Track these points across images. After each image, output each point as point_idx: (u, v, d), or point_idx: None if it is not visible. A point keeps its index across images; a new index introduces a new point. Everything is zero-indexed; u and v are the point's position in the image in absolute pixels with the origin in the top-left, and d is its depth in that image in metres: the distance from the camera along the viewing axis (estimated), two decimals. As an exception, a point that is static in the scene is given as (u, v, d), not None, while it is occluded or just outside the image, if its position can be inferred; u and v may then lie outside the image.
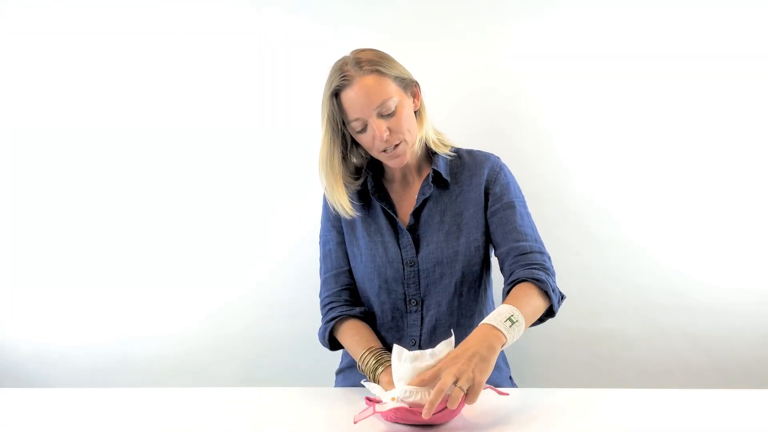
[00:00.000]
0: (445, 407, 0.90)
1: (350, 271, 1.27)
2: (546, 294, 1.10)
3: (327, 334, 1.21)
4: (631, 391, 1.10)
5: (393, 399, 0.94)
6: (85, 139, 1.67)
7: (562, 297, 1.16)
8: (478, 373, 0.90)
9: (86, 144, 1.67)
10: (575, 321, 1.60)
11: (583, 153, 1.58)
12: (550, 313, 1.13)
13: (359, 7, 1.59)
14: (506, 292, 1.13)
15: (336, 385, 1.32)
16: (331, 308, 1.24)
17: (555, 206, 1.59)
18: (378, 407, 0.94)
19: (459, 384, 0.88)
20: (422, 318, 1.21)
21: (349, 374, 1.28)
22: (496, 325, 0.98)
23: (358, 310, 1.23)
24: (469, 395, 0.89)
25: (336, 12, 1.60)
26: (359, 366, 1.14)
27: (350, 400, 1.09)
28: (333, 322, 1.21)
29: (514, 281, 1.12)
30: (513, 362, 1.55)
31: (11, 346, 1.72)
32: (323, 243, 1.30)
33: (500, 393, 0.99)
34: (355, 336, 1.18)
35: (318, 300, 1.30)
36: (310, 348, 1.63)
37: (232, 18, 1.62)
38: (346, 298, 1.25)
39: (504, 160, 1.32)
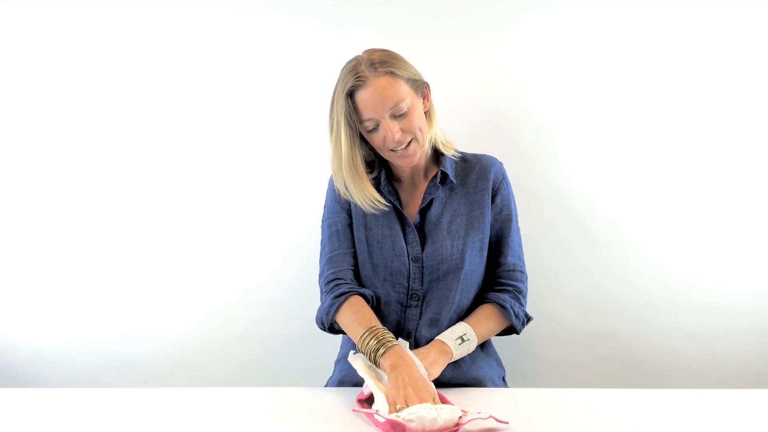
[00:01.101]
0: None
1: (354, 253, 1.27)
2: (507, 318, 1.24)
3: (334, 309, 1.19)
4: (631, 391, 1.10)
5: (398, 416, 0.94)
6: (86, 138, 1.67)
7: (529, 319, 1.28)
8: (428, 366, 1.10)
9: (86, 143, 1.67)
10: (575, 321, 1.60)
11: (584, 153, 1.58)
12: (513, 331, 1.27)
13: (359, 7, 1.59)
14: (474, 304, 1.27)
15: (333, 375, 1.32)
16: (338, 285, 1.22)
17: (555, 206, 1.59)
18: (377, 417, 0.95)
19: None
20: (421, 313, 1.23)
21: (347, 364, 1.28)
22: (447, 343, 1.16)
23: (368, 291, 1.23)
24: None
25: (335, 11, 1.60)
26: (358, 345, 1.13)
27: (349, 400, 1.09)
28: (343, 297, 1.19)
29: (484, 300, 1.26)
30: (513, 362, 1.55)
31: (11, 346, 1.72)
32: (330, 224, 1.29)
33: (499, 421, 0.96)
34: (357, 314, 1.16)
35: (317, 284, 1.28)
36: (310, 348, 1.63)
37: (233, 18, 1.62)
38: (352, 278, 1.25)
39: (504, 160, 1.34)
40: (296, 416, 1.03)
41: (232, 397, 1.13)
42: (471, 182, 1.27)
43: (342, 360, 1.31)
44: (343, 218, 1.28)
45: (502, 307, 1.22)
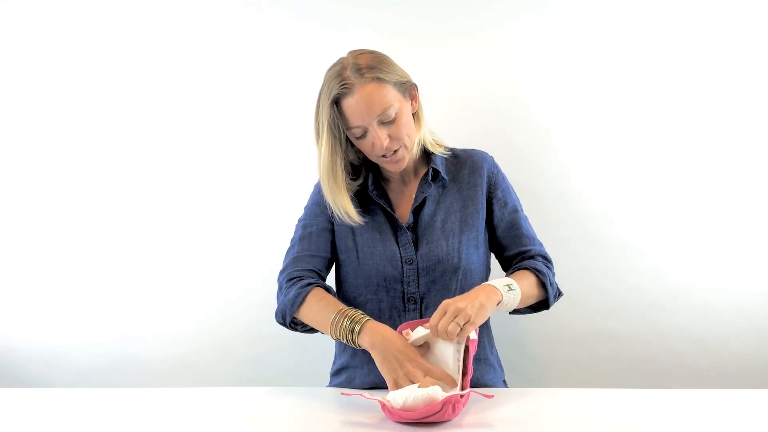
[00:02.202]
0: (441, 408, 0.92)
1: (329, 261, 1.24)
2: (543, 286, 1.18)
3: (300, 300, 1.13)
4: (631, 391, 1.10)
5: (384, 398, 0.96)
6: (86, 139, 1.67)
7: (560, 294, 1.24)
8: (474, 314, 1.02)
9: (87, 144, 1.67)
10: (575, 321, 1.60)
11: (584, 153, 1.58)
12: (545, 304, 1.21)
13: (358, 7, 1.59)
14: (507, 275, 1.22)
15: (330, 386, 1.30)
16: (300, 278, 1.18)
17: (555, 207, 1.59)
18: (364, 396, 0.98)
19: (457, 320, 1.00)
20: (421, 316, 1.20)
21: (343, 374, 1.27)
22: (496, 286, 1.09)
23: (332, 289, 1.18)
24: (463, 330, 1.00)
25: (334, 12, 1.60)
26: (330, 331, 1.08)
27: (348, 400, 1.09)
28: (310, 287, 1.14)
29: (517, 267, 1.21)
30: (513, 362, 1.55)
31: (11, 346, 1.72)
32: (305, 226, 1.26)
33: (486, 396, 0.98)
34: (321, 301, 1.12)
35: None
36: (309, 348, 1.63)
37: (232, 18, 1.62)
38: (315, 279, 1.20)
39: (504, 160, 1.33)
40: (296, 416, 1.03)
41: (232, 397, 1.13)
42: (463, 178, 1.25)
43: (336, 374, 1.29)
44: (320, 222, 1.24)
45: (539, 272, 1.17)
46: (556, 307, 1.59)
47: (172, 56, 1.64)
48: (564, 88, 1.57)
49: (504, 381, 1.32)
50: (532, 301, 1.18)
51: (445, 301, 1.04)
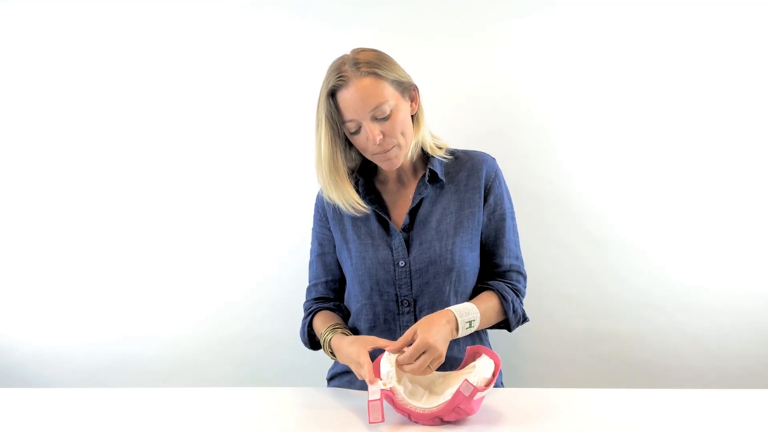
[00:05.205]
0: (454, 408, 0.94)
1: (326, 282, 1.31)
2: (505, 312, 1.20)
3: (305, 330, 1.28)
4: (631, 391, 1.10)
5: (385, 384, 0.97)
6: (86, 139, 1.67)
7: (525, 319, 1.24)
8: (443, 351, 1.02)
9: (86, 144, 1.67)
10: (575, 321, 1.60)
11: (584, 153, 1.58)
12: (506, 325, 1.23)
13: (359, 7, 1.59)
14: (475, 290, 1.23)
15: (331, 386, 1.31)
16: (307, 309, 1.32)
17: (555, 207, 1.59)
18: (378, 396, 0.96)
19: (429, 361, 1.00)
20: (415, 319, 1.20)
21: (344, 378, 1.27)
22: (459, 324, 1.09)
23: (331, 303, 1.30)
24: (433, 366, 1.01)
25: (335, 11, 1.60)
26: (323, 348, 1.20)
27: (349, 400, 1.09)
28: (310, 317, 1.28)
29: (486, 287, 1.22)
30: (512, 362, 1.55)
31: (11, 346, 1.72)
32: (310, 252, 1.35)
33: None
34: (317, 322, 1.26)
35: None
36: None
37: (233, 18, 1.62)
38: (319, 305, 1.32)
39: (503, 160, 1.32)
40: (296, 416, 1.03)
41: (232, 397, 1.13)
42: (461, 180, 1.23)
43: (334, 378, 1.31)
44: (314, 248, 1.33)
45: (504, 298, 1.18)
46: (556, 307, 1.60)
47: (172, 55, 1.64)
48: (564, 88, 1.57)
49: (501, 382, 1.31)
50: (489, 325, 1.21)
51: (425, 341, 1.00)
